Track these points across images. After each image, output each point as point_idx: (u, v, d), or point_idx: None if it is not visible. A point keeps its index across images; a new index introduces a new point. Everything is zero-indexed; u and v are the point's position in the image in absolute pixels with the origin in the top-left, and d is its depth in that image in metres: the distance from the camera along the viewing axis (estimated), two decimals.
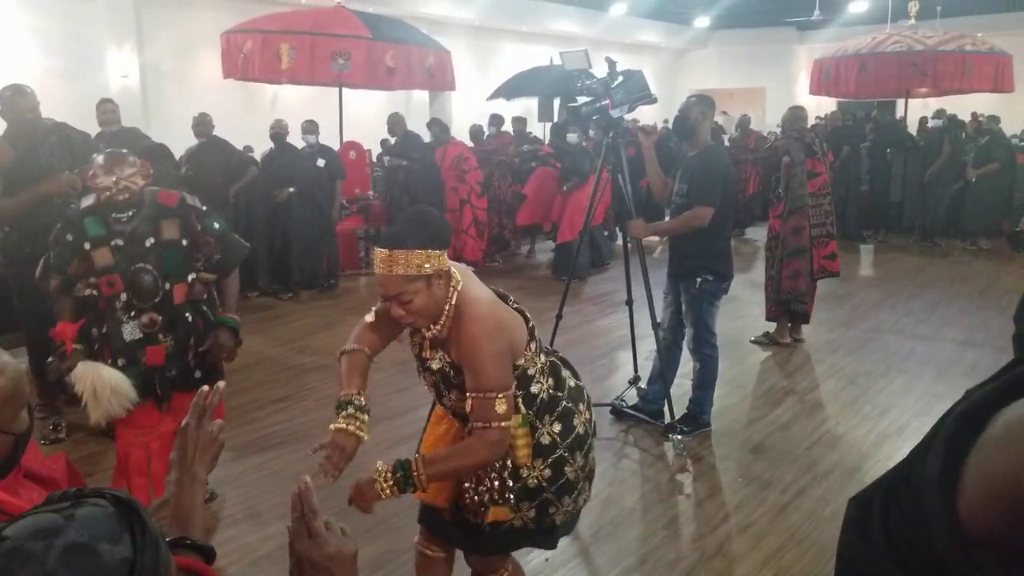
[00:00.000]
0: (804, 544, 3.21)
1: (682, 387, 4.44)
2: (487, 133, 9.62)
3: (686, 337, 4.25)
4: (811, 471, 3.87)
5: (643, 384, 4.52)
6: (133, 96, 9.77)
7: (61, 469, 2.17)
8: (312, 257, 7.59)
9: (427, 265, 1.90)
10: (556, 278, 8.10)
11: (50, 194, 4.16)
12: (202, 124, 6.89)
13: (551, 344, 4.11)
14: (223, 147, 6.94)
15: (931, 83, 10.62)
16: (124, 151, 3.05)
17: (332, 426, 1.97)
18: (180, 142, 6.88)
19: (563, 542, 3.13)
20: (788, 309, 5.87)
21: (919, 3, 11.26)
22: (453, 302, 1.98)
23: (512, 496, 2.07)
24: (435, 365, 2.06)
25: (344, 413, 1.98)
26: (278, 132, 7.44)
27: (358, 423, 1.97)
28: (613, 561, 3.08)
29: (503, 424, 1.94)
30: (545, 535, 2.22)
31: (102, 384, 2.84)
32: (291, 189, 7.26)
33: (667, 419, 4.21)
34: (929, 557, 1.01)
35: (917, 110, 12.18)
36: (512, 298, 2.17)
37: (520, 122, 9.69)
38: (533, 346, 2.10)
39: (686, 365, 4.40)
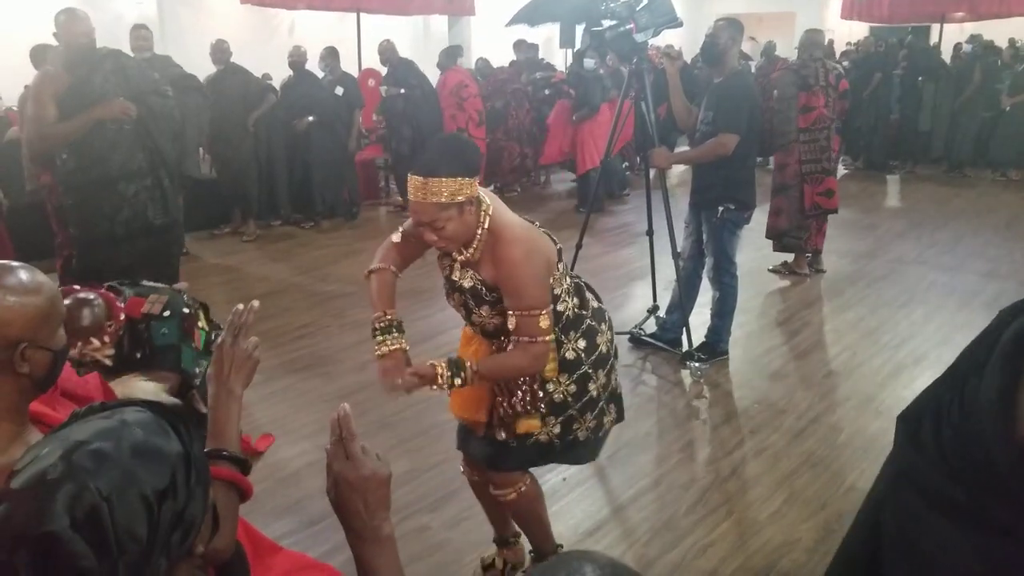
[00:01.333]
0: (818, 468, 3.28)
1: (701, 316, 4.47)
2: (514, 59, 9.39)
3: (706, 266, 4.26)
4: (827, 398, 3.92)
5: (662, 313, 4.56)
6: (150, 23, 9.50)
7: (96, 388, 2.25)
8: (333, 186, 7.59)
9: (460, 193, 1.96)
10: (577, 210, 8.06)
11: (103, 120, 4.21)
12: (219, 51, 6.83)
13: None
14: (241, 75, 6.89)
15: (969, 7, 10.22)
16: (81, 312, 2.29)
17: (375, 352, 2.12)
18: (197, 70, 6.82)
19: None
20: (782, 244, 5.86)
21: None
22: (486, 226, 2.06)
23: (543, 407, 2.18)
24: (467, 283, 2.13)
25: (377, 339, 2.13)
26: (296, 60, 7.34)
27: (394, 339, 2.12)
28: (628, 482, 3.17)
29: (547, 339, 2.05)
30: (568, 450, 2.31)
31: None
32: (310, 118, 7.21)
33: (685, 347, 4.25)
34: (985, 470, 1.04)
35: (953, 36, 11.74)
36: (537, 223, 2.23)
37: (532, 48, 9.44)
38: (560, 267, 2.19)
39: (705, 294, 4.42)
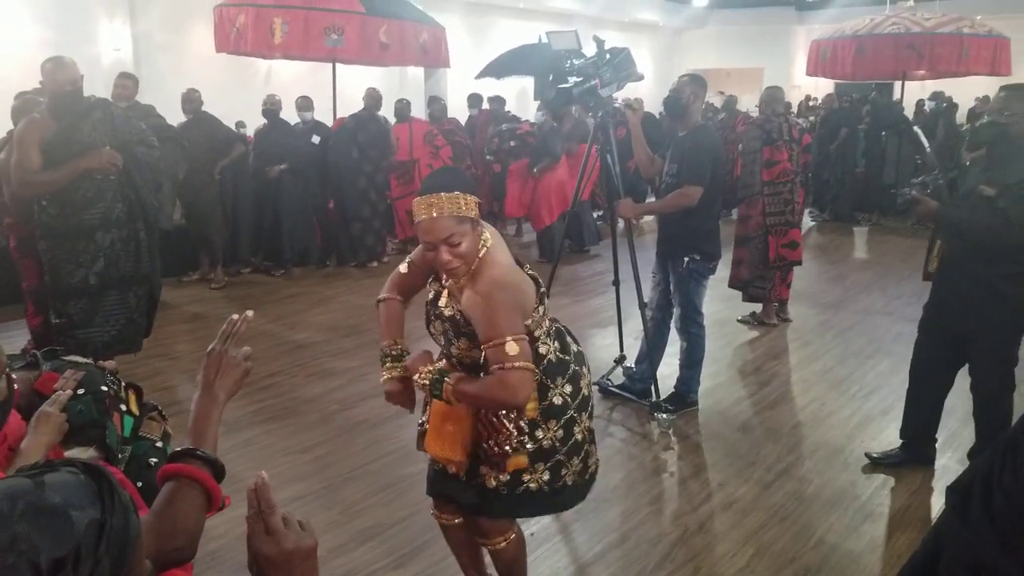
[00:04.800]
0: (787, 522, 3.25)
1: (670, 366, 4.47)
2: (469, 114, 9.56)
3: (674, 316, 4.28)
4: (795, 450, 3.91)
5: (629, 363, 4.55)
6: (126, 68, 9.65)
7: None
8: (303, 234, 7.57)
9: (471, 208, 2.00)
10: (542, 260, 8.14)
11: (90, 169, 4.17)
12: (189, 101, 6.81)
13: None
14: (209, 122, 6.87)
15: (928, 66, 10.54)
16: None
17: (381, 377, 2.28)
18: (173, 117, 6.84)
19: (547, 518, 3.18)
20: (748, 295, 5.94)
21: None
22: (481, 255, 2.08)
23: (528, 442, 2.15)
24: (447, 312, 2.15)
25: (386, 365, 2.28)
26: (270, 108, 7.38)
27: (398, 368, 2.25)
28: (596, 537, 3.12)
29: (517, 364, 1.97)
30: (556, 497, 2.28)
31: None
32: (282, 166, 7.22)
33: (653, 398, 4.24)
34: None
35: (914, 93, 12.12)
36: (527, 265, 2.25)
37: (498, 101, 9.56)
38: (541, 309, 2.19)
39: (674, 344, 4.42)
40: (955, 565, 1.22)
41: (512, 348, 1.98)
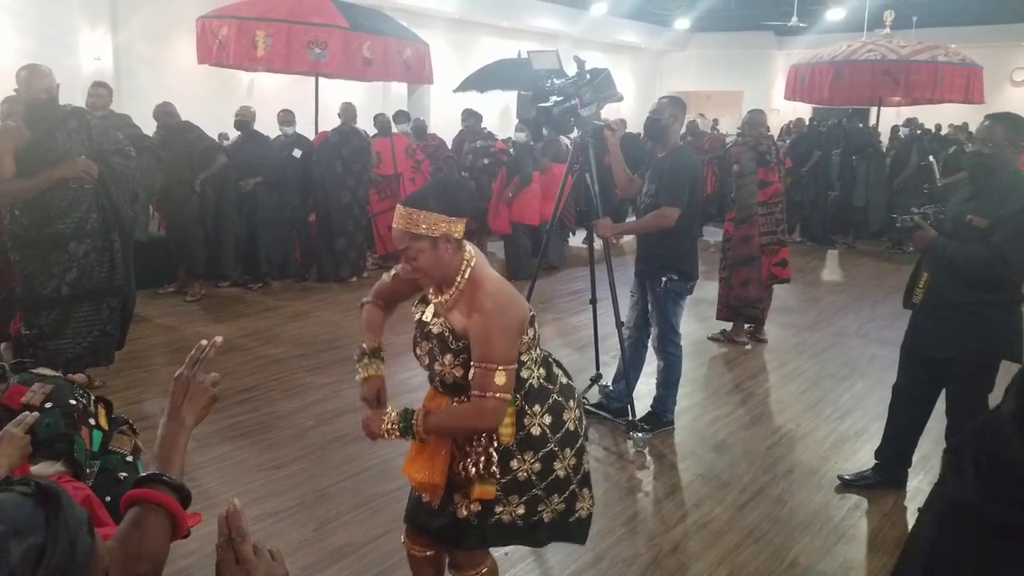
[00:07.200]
0: (761, 543, 3.26)
1: (647, 386, 4.48)
2: (461, 127, 9.60)
3: (651, 336, 4.30)
4: (770, 471, 3.93)
5: (605, 382, 4.56)
6: (107, 79, 9.55)
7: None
8: (280, 247, 7.52)
9: (435, 228, 2.01)
10: (513, 279, 8.21)
11: (65, 179, 4.12)
12: (163, 115, 6.68)
13: None
14: (191, 133, 6.79)
15: (903, 92, 10.76)
16: None
17: (357, 377, 2.31)
18: (152, 128, 6.79)
19: None
20: (738, 313, 5.98)
21: (895, 12, 11.41)
22: (466, 276, 2.09)
23: (497, 472, 2.11)
24: (435, 329, 2.14)
25: (363, 362, 2.30)
26: (243, 119, 7.27)
27: (374, 366, 2.29)
28: (569, 558, 3.11)
29: (499, 395, 2.03)
30: (531, 532, 2.24)
31: None
32: (257, 179, 7.13)
33: (630, 417, 4.25)
34: (1015, 484, 1.16)
35: (890, 119, 12.36)
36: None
37: (475, 117, 9.64)
38: (531, 332, 2.18)
39: (651, 364, 4.44)
40: (951, 512, 1.31)
41: (500, 378, 2.01)
